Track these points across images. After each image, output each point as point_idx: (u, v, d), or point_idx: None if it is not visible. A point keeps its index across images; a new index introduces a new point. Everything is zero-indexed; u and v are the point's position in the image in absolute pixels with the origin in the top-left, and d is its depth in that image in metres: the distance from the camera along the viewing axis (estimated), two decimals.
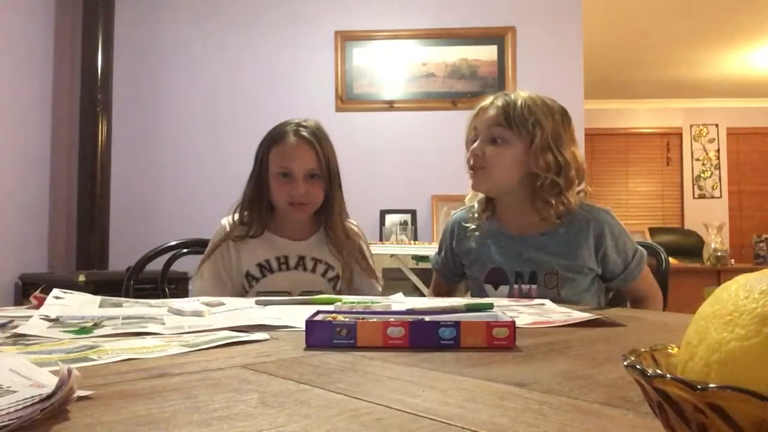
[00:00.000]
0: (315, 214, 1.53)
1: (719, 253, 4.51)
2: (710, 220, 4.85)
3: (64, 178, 3.57)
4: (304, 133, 1.47)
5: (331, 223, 1.50)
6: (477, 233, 1.45)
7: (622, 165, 6.73)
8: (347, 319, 0.69)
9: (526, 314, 0.95)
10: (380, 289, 1.55)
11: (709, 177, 6.59)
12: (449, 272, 1.53)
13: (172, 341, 0.67)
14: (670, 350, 0.33)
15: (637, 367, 0.28)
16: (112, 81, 3.46)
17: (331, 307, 0.87)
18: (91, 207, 3.35)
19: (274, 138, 1.49)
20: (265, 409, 0.41)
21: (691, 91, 6.33)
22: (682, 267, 4.51)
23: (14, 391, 0.39)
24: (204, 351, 0.63)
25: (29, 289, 2.90)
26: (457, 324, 0.67)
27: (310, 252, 1.52)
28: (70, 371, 0.39)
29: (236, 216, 1.54)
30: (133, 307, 0.99)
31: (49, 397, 0.37)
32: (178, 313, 0.91)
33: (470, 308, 0.81)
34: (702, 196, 6.57)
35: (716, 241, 4.58)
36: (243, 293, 1.50)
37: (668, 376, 0.26)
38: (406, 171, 3.62)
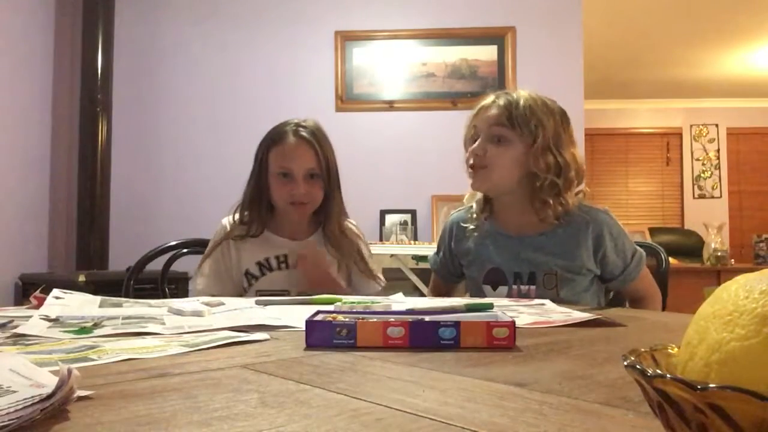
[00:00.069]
0: (314, 214, 1.53)
1: (719, 253, 4.51)
2: (710, 220, 4.85)
3: (64, 178, 3.57)
4: (304, 133, 1.48)
5: (329, 222, 1.51)
6: (475, 233, 1.44)
7: (622, 165, 6.73)
8: (347, 319, 0.69)
9: (526, 314, 0.95)
10: (379, 288, 1.55)
11: (709, 177, 6.59)
12: (448, 273, 1.53)
13: (172, 341, 0.67)
14: (670, 350, 0.33)
15: (637, 367, 0.28)
16: (112, 81, 3.46)
17: (331, 307, 0.87)
18: (91, 207, 3.35)
19: (274, 138, 1.49)
20: (265, 409, 0.41)
21: (691, 91, 6.33)
22: (682, 267, 4.51)
23: (14, 391, 0.39)
24: (204, 351, 0.63)
25: (29, 289, 2.90)
26: (457, 324, 0.67)
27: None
28: (70, 371, 0.39)
29: (236, 216, 1.55)
30: (133, 307, 0.99)
31: (49, 397, 0.37)
32: (178, 313, 0.91)
33: (470, 308, 0.81)
34: (702, 196, 6.57)
35: (716, 241, 4.58)
36: (242, 292, 1.51)
37: (668, 376, 0.26)
38: (406, 171, 3.62)
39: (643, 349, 0.32)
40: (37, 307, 0.92)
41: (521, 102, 1.35)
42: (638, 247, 1.42)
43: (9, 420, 0.35)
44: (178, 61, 3.73)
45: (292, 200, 1.47)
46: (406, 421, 0.39)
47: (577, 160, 1.38)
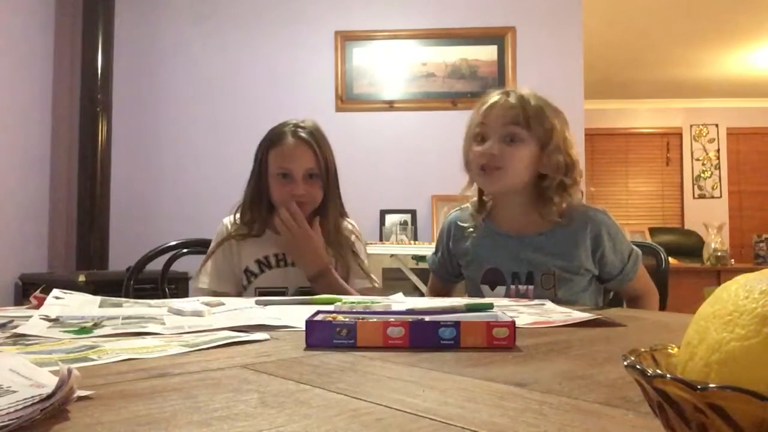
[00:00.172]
0: (313, 213, 1.54)
1: (719, 253, 4.51)
2: (710, 220, 4.84)
3: (64, 178, 3.57)
4: (303, 134, 1.48)
5: (326, 221, 1.52)
6: (474, 233, 1.44)
7: (622, 165, 6.73)
8: (347, 319, 0.69)
9: (526, 314, 0.95)
10: (370, 286, 1.55)
11: (709, 177, 6.59)
12: (446, 273, 1.53)
13: (172, 341, 0.67)
14: (670, 350, 0.33)
15: (637, 367, 0.28)
16: (112, 81, 3.46)
17: (331, 307, 0.87)
18: (91, 207, 3.35)
19: (273, 139, 1.50)
20: (265, 409, 0.41)
21: (691, 91, 6.33)
22: (682, 267, 4.51)
23: (14, 391, 0.39)
24: (204, 351, 0.63)
25: (29, 289, 2.90)
26: (457, 324, 0.67)
27: None
28: (70, 371, 0.39)
29: (237, 216, 1.56)
30: (133, 307, 0.99)
31: (49, 397, 0.37)
32: (178, 313, 0.91)
33: (470, 308, 0.81)
34: (702, 196, 6.57)
35: (716, 241, 4.58)
36: (242, 289, 1.52)
37: (668, 376, 0.26)
38: (406, 171, 3.62)
39: (643, 349, 0.32)
40: (37, 307, 0.92)
41: (532, 101, 1.34)
42: (635, 247, 1.42)
43: (9, 420, 0.35)
44: (178, 61, 3.73)
45: (292, 200, 1.47)
46: (406, 421, 0.39)
47: (578, 159, 1.39)
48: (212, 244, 1.56)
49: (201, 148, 3.67)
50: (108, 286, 2.55)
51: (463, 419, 0.39)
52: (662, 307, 1.50)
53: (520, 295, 1.34)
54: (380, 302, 1.03)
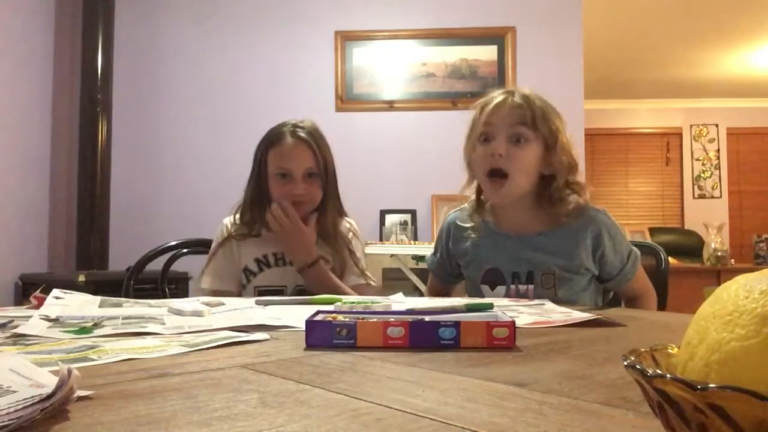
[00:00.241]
0: (312, 213, 1.55)
1: (719, 253, 4.51)
2: (710, 220, 4.84)
3: (64, 178, 3.57)
4: (302, 134, 1.50)
5: (324, 219, 1.53)
6: (473, 233, 1.44)
7: (622, 165, 6.73)
8: (347, 319, 0.69)
9: (526, 314, 0.95)
10: (363, 282, 1.56)
11: (709, 177, 6.59)
12: (445, 273, 1.53)
13: (172, 341, 0.67)
14: (670, 350, 0.33)
15: (637, 367, 0.28)
16: (112, 81, 3.46)
17: (331, 307, 0.87)
18: (91, 207, 3.35)
19: (272, 139, 1.51)
20: (265, 409, 0.41)
21: (691, 91, 6.33)
22: (682, 267, 4.51)
23: (14, 391, 0.39)
24: (204, 351, 0.63)
25: (29, 289, 2.90)
26: (457, 324, 0.67)
27: None
28: (70, 371, 0.39)
29: (237, 216, 1.57)
30: (133, 307, 0.99)
31: (49, 397, 0.37)
32: (178, 313, 0.91)
33: (470, 308, 0.81)
34: (702, 196, 6.57)
35: (716, 241, 4.58)
36: (241, 288, 1.53)
37: (668, 376, 0.26)
38: (406, 171, 3.62)
39: (643, 349, 0.32)
40: (37, 307, 0.92)
41: (537, 102, 1.34)
42: (634, 247, 1.42)
43: (9, 420, 0.35)
44: (179, 61, 3.73)
45: (292, 200, 1.48)
46: (406, 421, 0.39)
47: (578, 161, 1.39)
48: (213, 245, 1.58)
49: (201, 148, 3.67)
50: (108, 286, 2.55)
51: (463, 419, 0.39)
52: (662, 307, 1.50)
53: (520, 295, 1.34)
54: (380, 302, 1.03)
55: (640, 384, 0.28)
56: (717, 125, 6.61)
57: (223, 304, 1.04)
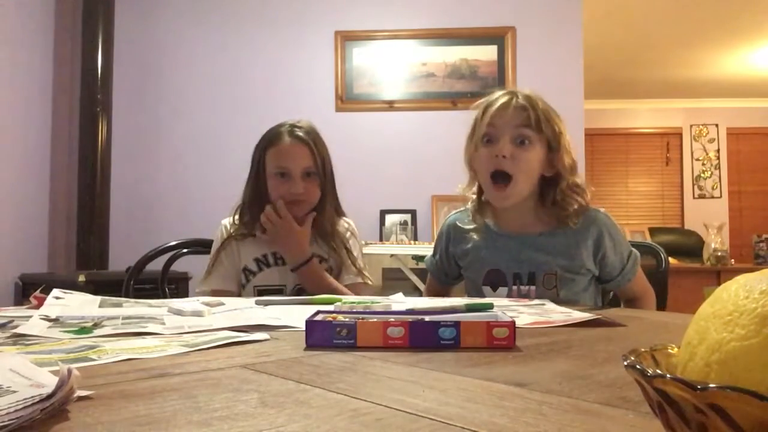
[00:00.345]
0: (310, 212, 1.55)
1: (719, 253, 4.51)
2: (710, 220, 4.84)
3: (64, 178, 3.57)
4: (299, 133, 1.52)
5: (322, 218, 1.54)
6: (474, 235, 1.44)
7: (622, 165, 6.73)
8: (347, 319, 0.69)
9: (526, 314, 0.95)
10: (360, 281, 1.56)
11: (709, 177, 6.59)
12: (443, 275, 1.53)
13: (172, 341, 0.67)
14: (670, 350, 0.33)
15: (637, 367, 0.28)
16: (112, 81, 3.46)
17: (331, 307, 0.87)
18: (91, 207, 3.35)
19: (270, 140, 1.53)
20: (265, 409, 0.41)
21: (691, 91, 6.33)
22: (682, 267, 4.51)
23: (14, 391, 0.39)
24: (204, 351, 0.63)
25: (29, 289, 2.89)
26: (457, 324, 0.67)
27: None
28: (70, 371, 0.39)
29: (236, 217, 1.58)
30: (133, 307, 0.99)
31: (49, 397, 0.37)
32: (178, 313, 0.91)
33: (470, 308, 0.81)
34: (702, 196, 6.57)
35: (716, 241, 4.58)
36: (241, 288, 1.54)
37: (668, 376, 0.26)
38: (406, 171, 3.62)
39: (643, 349, 0.32)
40: (37, 307, 0.92)
41: (539, 104, 1.34)
42: (633, 248, 1.42)
43: (9, 420, 0.35)
44: (178, 61, 3.73)
45: (290, 199, 1.49)
46: (406, 421, 0.39)
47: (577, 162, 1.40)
48: (214, 247, 1.59)
49: (201, 148, 3.67)
50: (108, 286, 2.55)
51: (463, 419, 0.39)
52: (662, 307, 1.50)
53: (522, 296, 1.34)
54: (380, 302, 1.03)
55: (640, 384, 0.28)
56: (717, 125, 6.61)
57: (223, 304, 1.04)
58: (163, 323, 0.82)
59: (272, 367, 0.55)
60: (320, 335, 0.67)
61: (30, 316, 0.83)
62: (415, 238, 3.48)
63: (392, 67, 3.67)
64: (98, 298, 1.04)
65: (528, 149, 1.32)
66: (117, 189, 3.51)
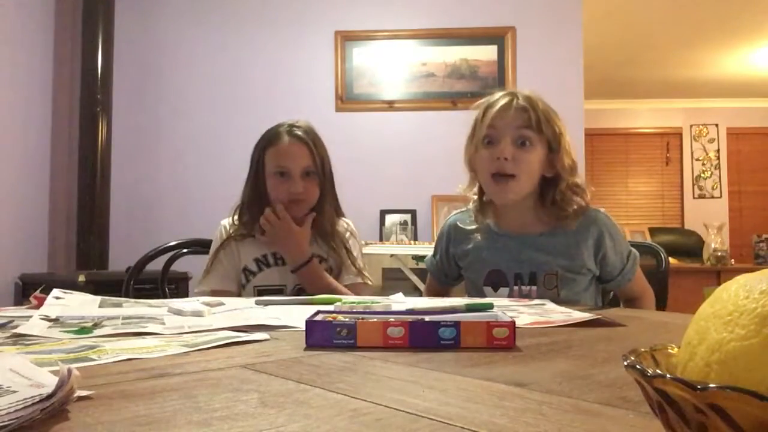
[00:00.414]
0: (309, 212, 1.55)
1: (719, 253, 4.51)
2: (710, 220, 4.84)
3: (64, 178, 3.57)
4: (298, 132, 1.52)
5: (322, 218, 1.54)
6: (474, 235, 1.44)
7: (622, 165, 6.73)
8: (347, 319, 0.69)
9: (526, 314, 0.95)
10: (360, 281, 1.56)
11: (709, 177, 6.59)
12: (443, 275, 1.53)
13: (172, 341, 0.67)
14: (670, 350, 0.33)
15: (637, 367, 0.28)
16: (112, 81, 3.46)
17: (331, 307, 0.87)
18: (91, 207, 3.35)
19: (269, 139, 1.53)
20: (265, 409, 0.41)
21: (691, 91, 6.33)
22: (682, 267, 4.51)
23: (14, 391, 0.39)
24: (204, 351, 0.63)
25: (29, 289, 2.89)
26: (457, 324, 0.67)
27: None
28: (70, 371, 0.39)
29: (236, 217, 1.58)
30: (133, 307, 0.99)
31: (49, 397, 0.37)
32: (178, 313, 0.91)
33: (470, 308, 0.81)
34: (702, 196, 6.57)
35: (716, 241, 4.58)
36: (241, 288, 1.54)
37: (668, 376, 0.26)
38: (406, 171, 3.62)
39: (643, 349, 0.32)
40: (37, 307, 0.92)
41: (540, 104, 1.34)
42: (632, 248, 1.43)
43: (9, 420, 0.35)
44: (178, 61, 3.73)
45: (290, 198, 1.50)
46: (406, 421, 0.39)
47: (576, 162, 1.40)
48: (213, 247, 1.58)
49: (201, 148, 3.67)
50: (108, 286, 2.55)
51: (463, 419, 0.39)
52: (662, 307, 1.51)
53: (523, 296, 1.34)
54: (380, 302, 1.03)
55: (640, 384, 0.28)
56: (717, 125, 6.61)
57: (223, 304, 1.04)
58: (163, 323, 0.82)
59: (272, 367, 0.55)
60: (320, 335, 0.67)
61: (30, 316, 0.83)
62: (415, 238, 3.48)
63: (392, 67, 3.67)
64: (98, 298, 1.04)
65: (529, 150, 1.33)
66: (117, 189, 3.51)
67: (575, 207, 1.36)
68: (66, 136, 3.56)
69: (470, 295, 1.47)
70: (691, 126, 6.64)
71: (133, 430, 0.36)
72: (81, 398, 0.42)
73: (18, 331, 0.73)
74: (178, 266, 1.82)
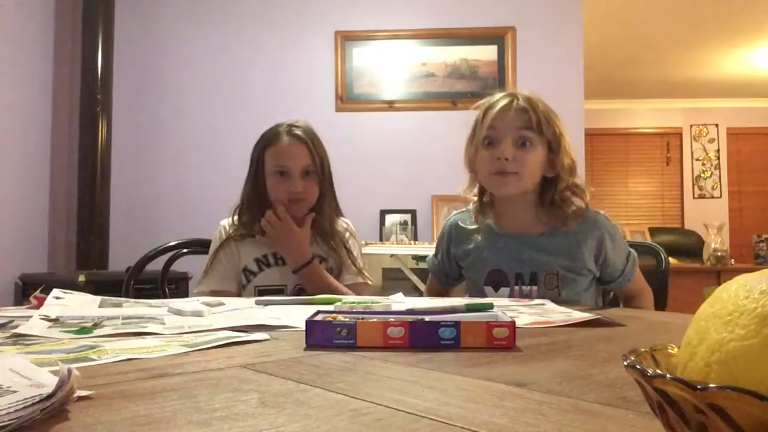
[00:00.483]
0: (309, 211, 1.55)
1: (719, 253, 4.51)
2: (710, 220, 4.84)
3: (64, 178, 3.57)
4: (298, 132, 1.53)
5: (321, 218, 1.55)
6: (475, 235, 1.44)
7: (622, 165, 6.73)
8: (347, 319, 0.69)
9: (526, 314, 0.95)
10: (360, 281, 1.56)
11: (709, 177, 6.59)
12: (444, 275, 1.53)
13: (172, 341, 0.67)
14: (670, 350, 0.33)
15: (637, 367, 0.28)
16: (112, 81, 3.46)
17: (331, 307, 0.87)
18: (91, 207, 3.35)
19: (269, 139, 1.54)
20: (265, 409, 0.41)
21: (691, 91, 6.33)
22: (682, 267, 4.51)
23: (14, 391, 0.39)
24: (204, 351, 0.63)
25: (29, 289, 2.89)
26: (457, 324, 0.67)
27: None
28: (70, 371, 0.39)
29: (235, 217, 1.58)
30: (133, 307, 0.99)
31: (49, 397, 0.37)
32: (178, 313, 0.91)
33: (470, 308, 0.81)
34: (702, 196, 6.57)
35: (716, 241, 4.58)
36: (241, 288, 1.54)
37: (668, 376, 0.26)
38: (406, 171, 3.62)
39: (643, 349, 0.32)
40: (37, 307, 0.92)
41: (540, 106, 1.35)
42: (631, 249, 1.43)
43: (9, 420, 0.35)
44: (179, 61, 3.73)
45: (290, 197, 1.50)
46: (406, 421, 0.39)
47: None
48: (212, 247, 1.58)
49: (201, 148, 3.67)
50: (108, 286, 2.55)
51: (463, 419, 0.39)
52: (662, 307, 1.51)
53: (524, 296, 1.34)
54: (380, 302, 1.03)
55: (640, 384, 0.28)
56: (717, 125, 6.61)
57: (223, 304, 1.04)
58: (163, 323, 0.82)
59: (272, 367, 0.55)
60: (320, 335, 0.67)
61: (30, 316, 0.83)
62: (415, 238, 3.48)
63: (392, 67, 3.67)
64: (98, 298, 1.04)
65: (529, 151, 1.33)
66: (117, 189, 3.50)
67: (574, 207, 1.36)
68: (66, 136, 3.56)
69: (471, 295, 1.47)
70: (691, 126, 6.64)
71: (133, 430, 0.36)
72: (81, 398, 0.42)
73: (18, 331, 0.73)
74: (178, 266, 1.82)
